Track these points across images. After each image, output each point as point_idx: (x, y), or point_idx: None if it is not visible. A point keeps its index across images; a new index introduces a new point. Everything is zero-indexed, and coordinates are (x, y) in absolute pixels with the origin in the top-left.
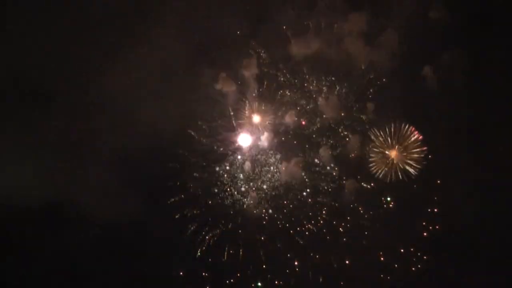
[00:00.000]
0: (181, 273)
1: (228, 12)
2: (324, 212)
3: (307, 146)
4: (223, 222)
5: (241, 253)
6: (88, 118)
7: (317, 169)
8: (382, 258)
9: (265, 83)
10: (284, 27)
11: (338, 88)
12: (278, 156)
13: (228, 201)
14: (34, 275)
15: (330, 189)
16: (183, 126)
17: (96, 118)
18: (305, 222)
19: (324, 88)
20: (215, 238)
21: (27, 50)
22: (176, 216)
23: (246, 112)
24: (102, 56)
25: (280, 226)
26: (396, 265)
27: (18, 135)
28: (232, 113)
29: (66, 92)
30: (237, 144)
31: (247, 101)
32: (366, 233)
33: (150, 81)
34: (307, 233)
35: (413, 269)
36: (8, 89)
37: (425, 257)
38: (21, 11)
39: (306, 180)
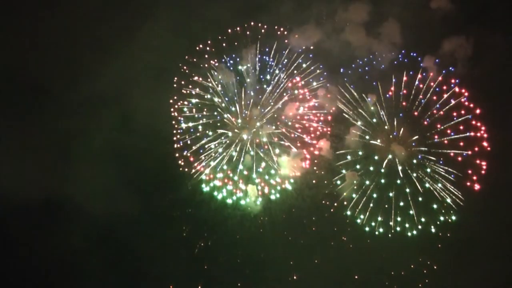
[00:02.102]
0: (177, 274)
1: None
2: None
3: (307, 139)
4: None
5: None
6: (82, 116)
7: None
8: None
9: (264, 74)
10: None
11: (339, 79)
12: (277, 150)
13: (227, 199)
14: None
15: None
16: (178, 122)
17: (90, 115)
18: (304, 222)
19: (324, 80)
20: (213, 239)
21: (21, 48)
22: (174, 215)
23: (244, 104)
24: (96, 55)
25: (280, 226)
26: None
27: (13, 133)
28: (230, 105)
29: (62, 90)
30: (236, 139)
31: (245, 94)
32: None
33: (145, 77)
34: (309, 235)
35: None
36: (4, 87)
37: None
38: (14, 9)
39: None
